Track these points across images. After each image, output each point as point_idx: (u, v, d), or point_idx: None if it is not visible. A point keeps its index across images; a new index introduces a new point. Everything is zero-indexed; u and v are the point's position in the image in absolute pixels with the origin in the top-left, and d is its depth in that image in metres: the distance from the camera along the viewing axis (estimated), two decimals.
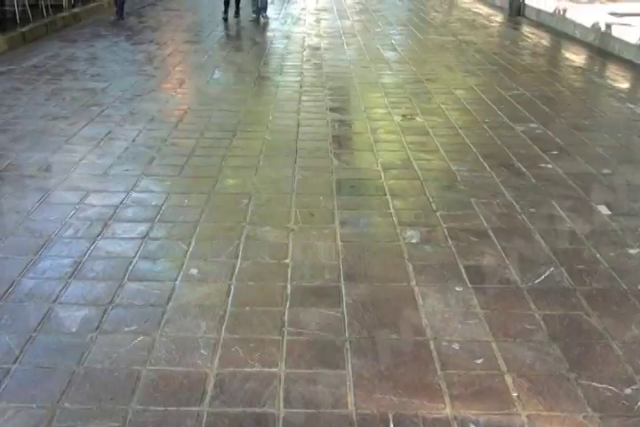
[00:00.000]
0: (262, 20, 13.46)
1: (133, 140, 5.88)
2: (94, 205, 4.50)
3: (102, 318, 3.21)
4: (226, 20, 13.36)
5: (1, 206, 4.45)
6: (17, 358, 2.90)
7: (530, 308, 3.37)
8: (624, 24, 10.92)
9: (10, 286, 3.47)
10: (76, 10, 13.28)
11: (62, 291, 3.44)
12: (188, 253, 3.88)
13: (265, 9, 13.72)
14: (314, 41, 11.45)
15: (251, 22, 13.26)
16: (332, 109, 7.07)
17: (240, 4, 13.60)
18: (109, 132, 6.07)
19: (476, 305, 3.39)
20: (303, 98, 7.53)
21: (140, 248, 3.91)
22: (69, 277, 3.57)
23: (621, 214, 4.53)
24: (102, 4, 14.68)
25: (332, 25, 13.44)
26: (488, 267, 3.79)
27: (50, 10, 12.29)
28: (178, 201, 4.62)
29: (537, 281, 3.63)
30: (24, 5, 11.47)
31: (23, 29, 10.68)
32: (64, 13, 12.64)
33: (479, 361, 2.95)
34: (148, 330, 3.13)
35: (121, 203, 4.55)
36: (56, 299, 3.37)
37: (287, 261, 3.80)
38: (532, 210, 4.56)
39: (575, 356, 3.00)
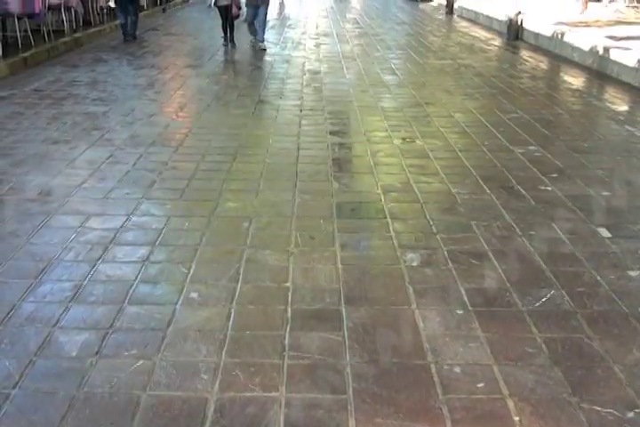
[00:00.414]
0: (260, 45, 13.22)
1: (134, 164, 5.90)
2: (95, 229, 4.50)
3: (102, 342, 3.20)
4: (226, 46, 13.41)
5: (1, 230, 4.46)
6: (17, 383, 2.89)
7: (531, 331, 3.36)
8: (622, 47, 11.01)
9: (10, 310, 3.46)
10: (77, 35, 13.42)
11: (62, 315, 3.43)
12: (189, 276, 3.88)
13: (262, 37, 13.34)
14: (314, 65, 11.54)
15: (252, 47, 13.29)
16: (332, 133, 7.10)
17: (234, 32, 13.53)
18: (110, 156, 6.09)
19: (477, 328, 3.38)
20: (303, 121, 7.57)
21: (140, 272, 3.91)
22: (70, 301, 3.57)
23: (621, 237, 4.53)
24: (104, 29, 14.83)
25: (331, 49, 13.54)
26: (489, 290, 3.78)
27: (52, 35, 12.43)
28: (178, 224, 4.63)
29: (538, 304, 3.63)
30: (26, 30, 11.60)
31: (25, 54, 10.78)
32: (66, 38, 12.77)
33: (480, 385, 2.94)
34: (148, 354, 3.11)
35: (121, 226, 4.55)
36: (56, 323, 3.36)
37: (287, 284, 3.80)
38: (533, 232, 4.56)
39: (577, 379, 2.98)
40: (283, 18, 20.35)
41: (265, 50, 13.04)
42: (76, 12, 13.92)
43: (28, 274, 3.85)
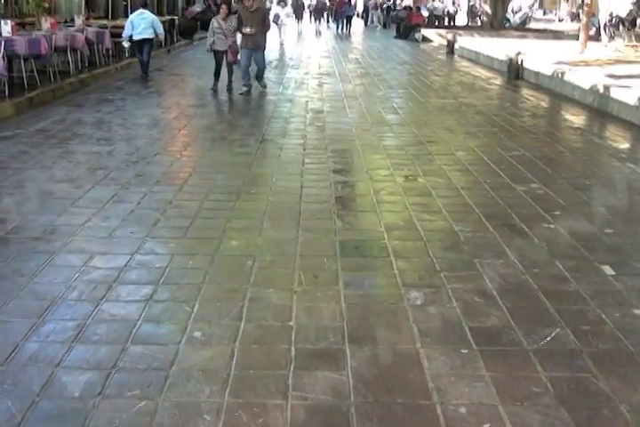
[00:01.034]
0: (260, 88, 12.88)
1: (138, 203, 5.93)
2: (99, 268, 4.50)
3: (105, 382, 3.18)
4: (215, 91, 12.76)
5: (5, 269, 4.46)
6: (19, 424, 2.87)
7: (536, 370, 3.34)
8: (622, 86, 11.12)
9: (13, 350, 3.45)
10: (83, 75, 13.59)
11: (66, 355, 3.42)
12: (192, 315, 3.87)
13: (261, 77, 13.02)
14: (316, 104, 11.65)
15: (255, 87, 12.95)
16: (335, 171, 7.14)
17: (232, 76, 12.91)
18: (115, 195, 6.12)
19: (482, 368, 3.36)
20: (306, 160, 7.62)
21: (143, 311, 3.90)
22: (73, 341, 3.55)
23: (625, 274, 4.52)
24: (109, 70, 15.03)
25: (334, 89, 13.69)
26: (493, 328, 3.77)
27: (57, 75, 12.59)
28: (182, 263, 4.63)
29: (543, 343, 3.61)
30: (32, 71, 11.75)
31: (31, 94, 10.91)
32: (71, 79, 12.94)
33: (486, 426, 2.91)
34: (151, 395, 3.09)
35: (125, 265, 4.56)
36: (59, 363, 3.34)
37: (291, 323, 3.79)
38: (536, 270, 4.55)
39: (583, 420, 2.95)
40: (285, 58, 20.61)
41: (265, 87, 12.99)
42: (81, 53, 14.11)
43: (31, 313, 3.85)
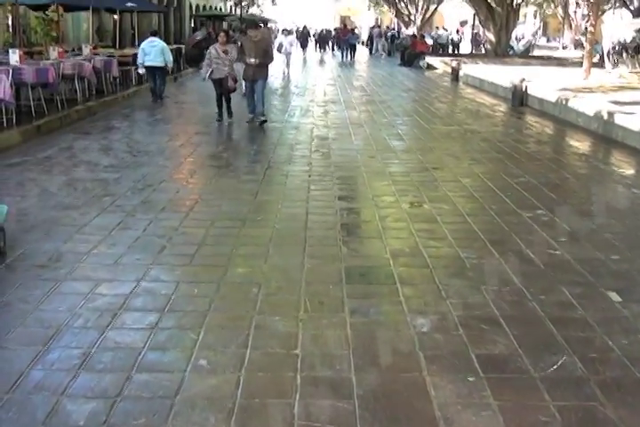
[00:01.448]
0: (260, 118, 12.16)
1: (144, 230, 5.94)
2: (104, 295, 4.50)
3: (110, 411, 3.17)
4: (220, 121, 12.58)
5: (11, 297, 4.46)
6: None
7: (544, 398, 3.31)
8: (626, 112, 11.17)
9: (18, 378, 3.44)
10: (90, 103, 13.71)
11: (71, 383, 3.41)
12: (198, 343, 3.86)
13: (261, 109, 12.27)
14: (322, 131, 11.71)
15: (249, 123, 12.28)
16: (341, 198, 7.16)
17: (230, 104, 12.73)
18: (121, 222, 6.14)
19: (489, 396, 3.33)
20: (312, 187, 7.64)
21: (149, 338, 3.90)
22: (78, 369, 3.54)
23: (632, 301, 4.50)
24: (116, 98, 15.16)
25: (339, 116, 13.76)
26: (500, 356, 3.75)
27: (65, 103, 12.70)
28: (188, 290, 4.63)
29: (550, 370, 3.58)
30: (39, 99, 11.86)
31: (38, 122, 11.00)
32: (79, 107, 13.05)
33: None
34: (156, 423, 3.07)
35: (131, 292, 4.55)
36: (64, 391, 3.33)
37: (297, 351, 3.77)
38: (543, 297, 4.54)
39: None
40: (291, 86, 20.76)
41: (265, 121, 12.14)
42: (89, 81, 14.26)
43: (36, 341, 3.84)
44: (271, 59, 12.50)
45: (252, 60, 11.82)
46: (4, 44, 16.65)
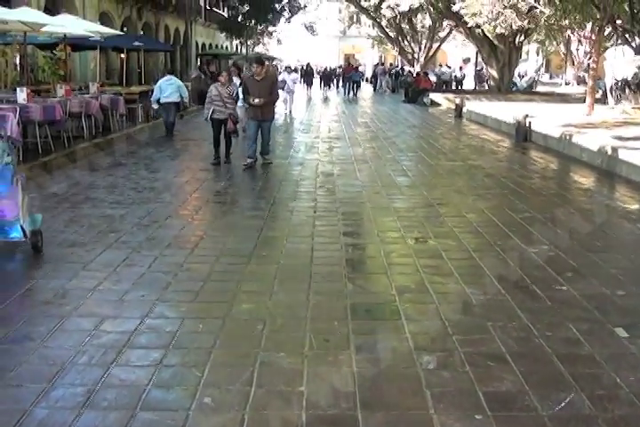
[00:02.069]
0: (264, 160, 11.86)
1: (150, 266, 5.94)
2: (109, 332, 4.49)
3: None
4: (216, 164, 11.79)
5: (17, 333, 4.45)
6: None
7: None
8: (630, 147, 11.22)
9: (21, 417, 3.41)
10: (96, 140, 13.83)
11: (74, 421, 3.38)
12: (202, 380, 3.83)
13: (267, 151, 12.03)
14: (327, 167, 11.77)
15: (248, 167, 11.48)
16: (346, 234, 7.16)
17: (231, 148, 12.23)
18: (126, 259, 6.15)
19: None
20: (317, 222, 7.65)
21: (153, 376, 3.87)
22: (82, 407, 3.52)
23: (639, 337, 4.47)
24: (122, 135, 15.29)
25: (344, 152, 13.84)
26: (507, 393, 3.71)
27: (71, 140, 12.81)
28: (192, 327, 4.61)
29: (558, 408, 3.55)
30: (46, 136, 11.97)
31: (45, 159, 11.11)
32: (85, 144, 13.17)
33: None
34: None
35: (135, 329, 4.54)
36: None
37: (302, 388, 3.74)
38: (549, 333, 4.51)
39: None
40: (295, 122, 20.91)
41: (271, 163, 11.86)
42: (96, 118, 14.41)
43: (41, 378, 3.82)
44: (277, 97, 12.17)
45: (257, 101, 11.30)
46: (12, 82, 16.84)
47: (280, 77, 22.48)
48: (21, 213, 6.13)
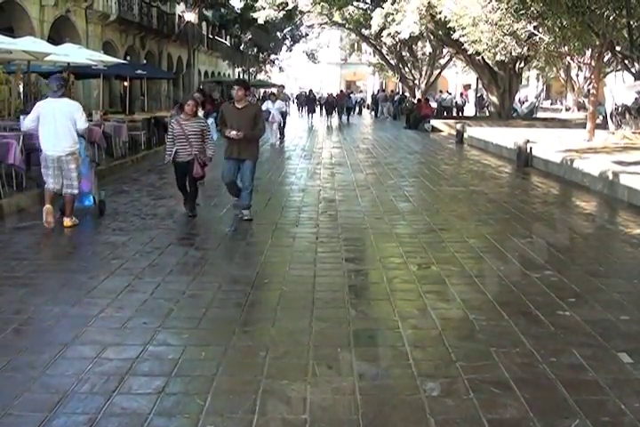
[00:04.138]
0: (244, 213, 9.28)
1: (152, 293, 5.94)
2: (111, 360, 4.48)
3: None
4: (193, 216, 9.39)
5: (18, 361, 4.44)
6: None
7: None
8: (631, 172, 11.25)
9: None
10: (99, 167, 13.84)
11: None
12: (205, 408, 3.81)
13: (247, 202, 9.30)
14: (329, 193, 11.79)
15: (242, 211, 9.37)
16: (348, 260, 7.16)
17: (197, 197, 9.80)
18: (128, 285, 6.14)
19: None
20: (319, 249, 7.65)
21: (155, 404, 3.86)
22: None
23: None
24: (125, 162, 15.37)
25: (345, 178, 13.88)
26: (512, 420, 3.69)
27: None
28: (195, 354, 4.60)
29: None
30: None
31: None
32: None
33: None
34: None
35: (138, 357, 4.53)
36: None
37: (305, 416, 3.72)
38: (553, 359, 4.49)
39: None
40: (297, 149, 20.98)
41: (251, 220, 9.18)
42: (98, 145, 14.47)
43: (42, 407, 3.80)
44: (262, 131, 9.48)
45: (234, 133, 8.86)
46: (16, 110, 16.97)
47: (263, 107, 20.43)
48: (94, 188, 9.31)
